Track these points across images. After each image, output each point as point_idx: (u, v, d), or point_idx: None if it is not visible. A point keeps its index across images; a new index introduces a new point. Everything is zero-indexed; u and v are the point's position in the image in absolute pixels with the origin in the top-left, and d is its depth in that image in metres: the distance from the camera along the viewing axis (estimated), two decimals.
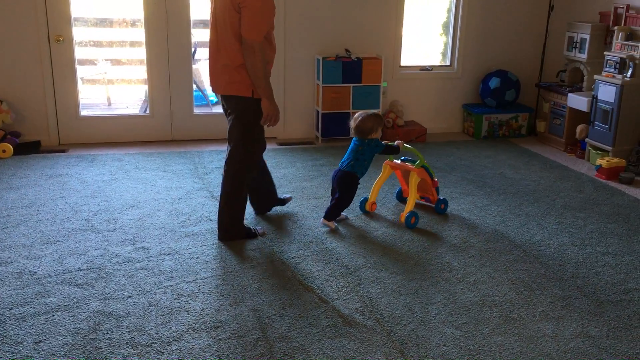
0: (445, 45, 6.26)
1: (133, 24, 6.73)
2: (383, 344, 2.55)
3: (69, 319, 2.66)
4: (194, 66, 6.24)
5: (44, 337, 2.53)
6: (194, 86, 6.29)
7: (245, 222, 3.76)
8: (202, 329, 2.62)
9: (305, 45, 5.68)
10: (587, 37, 5.36)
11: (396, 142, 3.90)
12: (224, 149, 5.39)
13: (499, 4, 6.07)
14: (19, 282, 2.97)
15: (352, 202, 3.79)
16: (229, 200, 3.47)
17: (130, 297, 2.87)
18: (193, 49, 6.18)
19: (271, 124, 3.38)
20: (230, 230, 3.51)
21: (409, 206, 3.79)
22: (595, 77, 5.17)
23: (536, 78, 6.30)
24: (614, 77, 4.97)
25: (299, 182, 4.55)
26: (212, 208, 3.99)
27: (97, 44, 7.20)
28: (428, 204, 4.11)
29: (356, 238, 3.59)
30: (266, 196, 3.85)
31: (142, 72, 6.02)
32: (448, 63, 6.25)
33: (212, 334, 2.58)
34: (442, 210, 4.02)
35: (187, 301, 2.84)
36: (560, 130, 5.71)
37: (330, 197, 3.85)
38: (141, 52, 5.65)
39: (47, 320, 2.65)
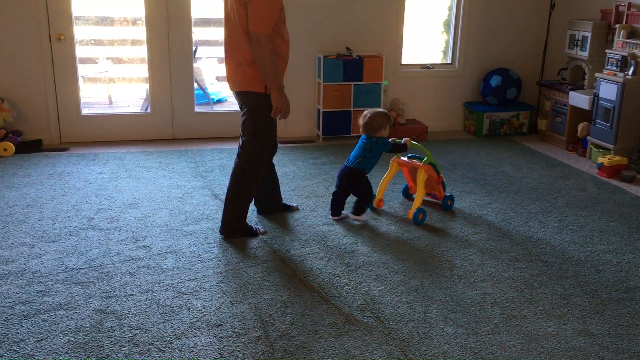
0: (447, 43, 6.25)
1: (134, 22, 6.73)
2: (384, 342, 2.55)
3: (71, 318, 2.67)
4: (195, 64, 6.24)
5: (46, 336, 2.54)
6: (195, 84, 6.30)
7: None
8: (203, 327, 2.63)
9: (306, 44, 5.68)
10: (589, 35, 5.35)
11: (403, 139, 3.94)
12: (225, 148, 5.40)
13: (500, 2, 6.06)
14: (20, 281, 2.98)
15: (372, 191, 3.85)
16: (236, 194, 3.49)
17: (131, 295, 2.87)
18: (194, 48, 6.18)
19: (282, 117, 3.41)
20: (233, 225, 3.52)
21: (417, 203, 3.81)
22: (596, 75, 5.16)
23: (537, 76, 6.29)
24: (615, 75, 4.96)
25: (299, 180, 4.56)
26: (213, 206, 4.00)
27: (98, 43, 7.20)
28: (434, 200, 4.12)
29: (357, 236, 3.59)
30: (270, 198, 3.85)
31: (143, 70, 6.02)
32: (449, 61, 6.24)
33: (213, 333, 2.59)
34: (449, 207, 4.06)
35: (188, 299, 2.85)
36: (561, 129, 5.70)
37: (333, 193, 3.86)
38: (142, 51, 5.65)
39: (49, 319, 2.65)
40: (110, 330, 2.58)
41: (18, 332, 2.55)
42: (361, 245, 3.48)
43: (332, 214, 3.85)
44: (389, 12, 5.81)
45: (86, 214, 3.84)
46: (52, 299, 2.82)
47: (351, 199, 3.90)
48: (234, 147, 5.40)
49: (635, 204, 4.25)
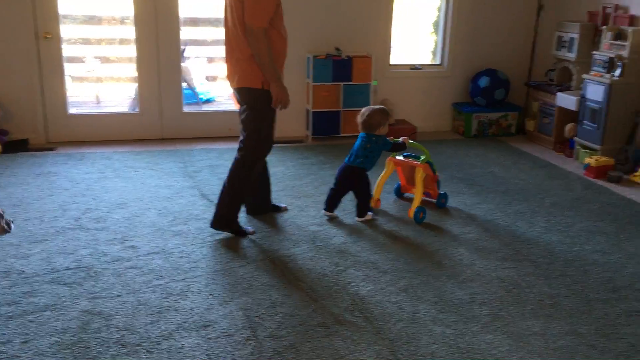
0: (436, 44, 6.28)
1: (122, 21, 6.68)
2: (373, 342, 2.55)
3: (57, 319, 2.64)
4: (184, 64, 6.21)
5: (32, 337, 2.51)
6: (184, 84, 6.26)
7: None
8: (191, 328, 2.61)
9: (295, 44, 5.64)
10: (576, 36, 5.39)
11: (401, 138, 3.97)
12: (214, 147, 5.38)
13: (489, 3, 6.09)
14: (6, 282, 2.95)
15: (371, 191, 3.86)
16: (232, 188, 3.51)
17: (119, 296, 2.85)
18: (183, 47, 6.15)
19: (283, 107, 3.45)
20: (224, 220, 3.53)
21: (416, 202, 3.84)
22: (583, 76, 5.20)
23: (525, 77, 6.33)
24: (602, 76, 5.00)
25: (289, 180, 4.55)
26: (201, 207, 3.98)
27: (86, 42, 7.13)
28: (428, 199, 4.14)
29: (346, 237, 3.59)
30: (260, 198, 3.84)
31: (131, 70, 5.98)
32: (438, 62, 6.26)
33: (201, 333, 2.57)
34: (443, 205, 4.11)
35: (176, 300, 2.83)
36: (549, 129, 5.74)
37: (331, 189, 3.88)
38: (131, 50, 5.62)
39: (35, 320, 2.63)
40: (98, 332, 2.56)
41: (4, 334, 2.53)
42: (350, 245, 3.48)
43: (326, 209, 3.87)
44: (378, 13, 5.82)
45: (73, 214, 3.80)
46: (39, 299, 2.79)
47: (348, 198, 3.90)
48: (223, 147, 5.39)
49: (621, 204, 4.28)
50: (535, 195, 4.40)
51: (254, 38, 3.26)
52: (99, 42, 7.22)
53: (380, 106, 3.94)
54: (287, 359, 2.42)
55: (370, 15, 5.80)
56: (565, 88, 5.60)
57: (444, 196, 4.12)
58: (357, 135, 3.94)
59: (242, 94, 3.48)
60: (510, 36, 6.24)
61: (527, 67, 6.31)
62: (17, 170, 4.61)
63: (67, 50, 5.51)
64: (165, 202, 4.06)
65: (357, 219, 3.83)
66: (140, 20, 5.34)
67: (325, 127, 5.67)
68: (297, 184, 4.48)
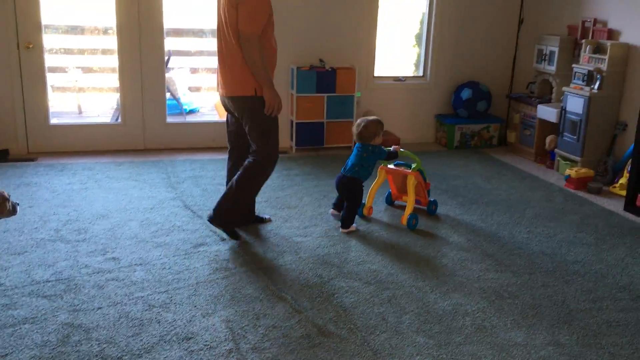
0: (418, 56, 6.33)
1: (105, 31, 6.66)
2: (357, 353, 2.54)
3: (37, 332, 2.60)
4: (168, 74, 6.19)
5: (11, 350, 2.47)
6: (168, 94, 6.25)
7: (218, 230, 3.74)
8: (173, 340, 2.59)
9: (279, 55, 5.62)
10: (556, 49, 5.47)
11: (392, 147, 4.05)
12: (197, 158, 5.35)
13: (471, 16, 6.17)
14: None
15: (360, 202, 3.93)
16: (241, 189, 3.51)
17: (100, 308, 2.82)
18: (167, 58, 6.14)
19: (275, 112, 3.46)
20: (227, 216, 3.54)
21: (409, 209, 3.91)
22: (563, 89, 5.28)
23: (507, 89, 6.40)
24: (582, 89, 5.08)
25: (272, 191, 4.54)
26: (184, 218, 3.96)
27: (68, 52, 7.10)
28: (419, 206, 4.19)
29: (329, 247, 3.59)
30: (245, 210, 3.83)
31: (114, 80, 5.95)
32: (421, 74, 6.32)
33: (183, 346, 2.55)
34: (434, 211, 4.20)
35: (158, 312, 2.80)
36: (530, 141, 5.80)
37: (335, 202, 4.00)
38: (113, 60, 5.59)
39: (14, 333, 2.59)
40: (78, 345, 2.52)
41: None
42: (334, 256, 3.48)
43: (333, 208, 4.01)
44: (361, 25, 5.86)
45: (54, 226, 3.76)
46: (18, 312, 2.75)
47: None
48: (206, 158, 5.37)
49: (601, 215, 4.34)
50: (517, 207, 4.44)
51: (248, 44, 3.29)
52: (81, 52, 7.19)
53: (375, 117, 4.01)
54: None
55: (354, 27, 5.84)
56: (546, 100, 5.68)
57: (434, 203, 4.21)
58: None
59: (237, 103, 3.49)
60: (491, 49, 6.32)
61: (509, 79, 6.39)
62: None
63: (49, 60, 5.47)
64: (147, 213, 4.03)
65: (341, 230, 3.84)
66: (123, 31, 5.32)
67: (309, 138, 5.68)
68: (280, 195, 4.47)
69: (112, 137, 5.54)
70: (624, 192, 4.60)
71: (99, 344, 2.54)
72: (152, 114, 5.57)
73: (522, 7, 6.18)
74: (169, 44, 6.23)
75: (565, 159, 5.29)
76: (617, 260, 3.57)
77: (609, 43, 4.95)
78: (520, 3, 6.19)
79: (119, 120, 5.62)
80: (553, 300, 3.07)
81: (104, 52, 6.99)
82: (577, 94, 5.10)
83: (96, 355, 2.46)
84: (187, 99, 6.97)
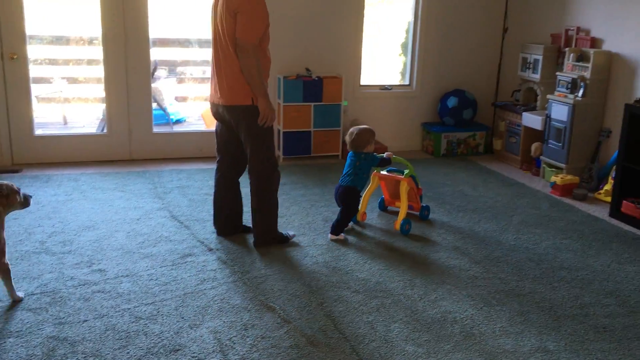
0: (404, 65, 6.37)
1: (90, 42, 6.63)
2: None
3: (22, 345, 2.57)
4: (154, 84, 6.17)
5: None
6: (155, 104, 6.22)
7: (205, 240, 3.72)
8: (161, 352, 2.56)
9: None
10: (540, 58, 5.53)
11: (385, 154, 4.11)
12: (184, 168, 5.33)
13: (456, 25, 6.22)
14: None
15: (355, 212, 3.99)
16: (260, 205, 3.59)
17: (86, 321, 2.79)
18: (153, 68, 6.12)
19: (268, 123, 3.49)
20: (266, 236, 3.64)
21: (402, 214, 3.98)
22: (548, 96, 5.33)
23: (492, 97, 6.45)
24: (566, 96, 5.13)
25: None
26: (172, 228, 3.93)
27: (53, 62, 7.06)
28: (411, 211, 4.23)
29: (317, 257, 3.58)
30: (231, 218, 3.82)
31: (99, 90, 5.92)
32: (407, 82, 6.35)
33: (171, 358, 2.52)
34: (426, 217, 4.27)
35: (145, 324, 2.78)
36: (516, 148, 5.85)
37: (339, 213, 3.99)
38: (99, 71, 5.57)
39: None
40: (64, 358, 2.49)
41: None
42: (322, 265, 3.47)
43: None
44: (348, 34, 5.89)
45: (39, 238, 3.72)
46: (2, 326, 2.71)
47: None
48: (193, 168, 5.35)
49: (587, 221, 4.37)
50: (504, 214, 4.46)
51: (245, 53, 3.31)
52: (66, 62, 7.15)
53: (367, 126, 4.09)
54: None
55: (341, 36, 5.87)
56: (531, 108, 5.73)
57: (427, 208, 4.28)
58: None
59: (233, 112, 3.49)
60: (477, 57, 6.38)
61: (494, 87, 6.44)
62: None
63: (33, 71, 5.43)
64: (134, 224, 4.00)
65: (330, 235, 3.85)
66: (108, 41, 5.29)
67: (296, 147, 5.68)
68: None
69: (97, 147, 5.51)
70: (608, 199, 4.65)
71: (85, 357, 2.51)
72: (138, 124, 5.54)
73: (506, 16, 6.25)
74: (155, 54, 6.21)
75: (550, 166, 5.33)
76: (603, 266, 3.60)
77: (592, 51, 5.01)
78: (504, 12, 6.25)
79: (105, 130, 5.59)
80: (541, 306, 3.08)
81: (89, 62, 6.96)
82: (561, 102, 5.15)
83: None
84: (174, 109, 6.95)
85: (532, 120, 5.52)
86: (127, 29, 5.30)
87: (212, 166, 5.41)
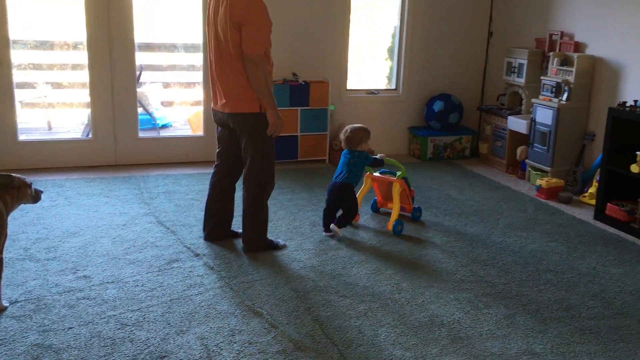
0: (391, 69, 6.39)
1: (75, 46, 6.59)
2: None
3: (5, 354, 2.53)
4: (140, 89, 6.14)
5: None
6: (141, 109, 6.19)
7: (192, 246, 3.70)
8: (147, 359, 2.54)
9: None
10: (525, 62, 5.58)
11: (379, 155, 4.19)
12: (170, 173, 5.30)
13: (441, 30, 6.26)
14: None
15: (357, 209, 4.06)
16: (252, 211, 3.59)
17: (71, 328, 2.76)
18: (138, 72, 6.09)
19: (277, 134, 3.51)
20: (255, 242, 3.63)
21: (394, 215, 4.05)
22: (533, 100, 5.37)
23: (478, 101, 6.49)
24: (550, 100, 5.18)
25: None
26: (158, 234, 3.90)
27: (37, 67, 7.00)
28: (403, 213, 4.28)
29: (305, 261, 3.58)
30: (221, 223, 3.81)
31: (84, 95, 5.88)
32: (393, 87, 6.37)
33: None
34: (418, 217, 4.35)
35: (131, 331, 2.75)
36: (501, 152, 5.88)
37: (324, 209, 4.03)
38: (83, 75, 5.52)
39: None
40: None
41: None
42: (309, 270, 3.46)
43: (325, 230, 4.00)
44: (334, 39, 5.90)
45: (23, 244, 3.67)
46: None
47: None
48: (179, 173, 5.32)
49: (572, 224, 4.41)
50: (490, 217, 4.49)
51: (253, 65, 3.31)
52: (50, 67, 7.09)
53: (361, 125, 4.14)
54: None
55: (327, 41, 5.88)
56: (516, 112, 5.77)
57: (418, 210, 4.36)
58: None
59: (238, 119, 3.48)
60: (462, 62, 6.42)
61: (479, 91, 6.49)
62: None
63: (17, 76, 5.38)
64: (119, 229, 3.97)
65: (333, 225, 3.92)
66: (93, 45, 5.26)
67: (283, 151, 5.67)
68: None
69: (82, 153, 5.46)
70: (593, 202, 4.69)
71: None
72: (123, 129, 5.51)
73: (491, 21, 6.30)
74: (141, 58, 6.19)
75: (535, 169, 5.37)
76: (589, 269, 3.63)
77: (575, 55, 5.06)
78: (489, 17, 6.30)
79: (90, 135, 5.54)
80: (527, 309, 3.10)
81: (74, 67, 6.91)
82: (546, 106, 5.19)
83: None
84: (159, 114, 6.92)
85: (517, 124, 5.56)
86: (112, 33, 5.27)
87: (199, 171, 5.40)
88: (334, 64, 5.96)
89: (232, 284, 3.25)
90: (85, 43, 5.28)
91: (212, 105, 3.66)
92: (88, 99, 5.44)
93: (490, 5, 6.25)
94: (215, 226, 3.80)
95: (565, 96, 5.10)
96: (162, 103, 7.23)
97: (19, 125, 5.34)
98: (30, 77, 6.89)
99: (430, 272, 3.50)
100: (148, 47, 7.09)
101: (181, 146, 5.73)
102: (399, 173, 4.19)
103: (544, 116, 5.21)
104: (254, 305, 3.03)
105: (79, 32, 5.31)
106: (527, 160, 5.49)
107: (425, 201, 4.79)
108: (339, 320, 2.91)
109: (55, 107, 7.03)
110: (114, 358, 2.53)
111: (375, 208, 4.48)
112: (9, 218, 2.99)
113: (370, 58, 6.50)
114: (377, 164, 4.13)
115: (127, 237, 3.84)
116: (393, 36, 6.30)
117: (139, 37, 5.44)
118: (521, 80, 5.65)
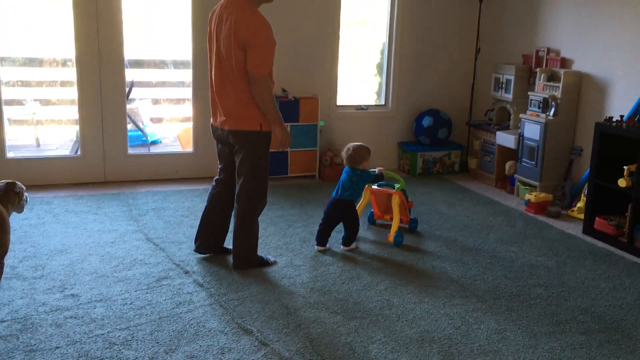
0: (380, 85, 6.43)
1: (64, 63, 6.58)
2: None
3: None
4: (130, 105, 6.13)
5: None
6: (132, 125, 6.18)
7: (181, 263, 3.68)
8: None
9: None
10: (512, 78, 5.63)
11: (377, 169, 4.25)
12: (160, 190, 5.28)
13: (430, 46, 6.31)
14: None
15: (358, 225, 4.08)
16: (243, 228, 3.59)
17: (58, 347, 2.72)
18: (129, 88, 6.09)
19: (284, 149, 3.57)
20: (246, 259, 3.63)
21: (395, 227, 4.16)
22: (520, 116, 5.42)
23: (466, 117, 6.54)
24: (538, 115, 5.23)
25: None
26: (147, 251, 3.88)
27: (26, 84, 6.98)
28: (400, 224, 4.29)
29: (295, 277, 3.56)
30: (215, 236, 3.78)
31: (73, 112, 5.86)
32: (383, 102, 6.41)
33: None
34: (415, 228, 4.46)
35: (119, 350, 2.72)
36: (490, 167, 5.92)
37: (320, 224, 4.03)
38: (72, 92, 5.51)
39: None
40: None
41: None
42: (300, 287, 3.45)
43: (318, 244, 4.01)
44: (324, 55, 5.93)
45: (9, 263, 3.63)
46: None
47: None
48: (169, 190, 5.30)
49: (561, 238, 4.43)
50: (480, 232, 4.50)
51: (259, 84, 3.35)
52: (39, 84, 7.08)
53: (362, 143, 4.22)
54: None
55: (316, 57, 5.91)
56: (504, 127, 5.81)
57: (415, 221, 4.46)
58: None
59: (240, 136, 3.50)
60: (450, 78, 6.47)
61: (468, 107, 6.53)
62: None
63: (5, 93, 5.36)
64: (108, 247, 3.94)
65: (343, 247, 3.99)
66: (82, 62, 5.25)
67: (272, 167, 5.65)
68: None
69: (71, 170, 5.43)
70: (581, 216, 4.71)
71: None
72: (112, 146, 5.48)
73: (478, 37, 6.36)
74: (131, 74, 6.19)
75: (524, 184, 5.40)
76: (578, 283, 3.64)
77: (562, 71, 5.12)
78: (476, 33, 6.37)
79: (79, 152, 5.52)
80: (517, 324, 3.10)
81: (63, 84, 6.90)
82: (533, 121, 5.24)
83: None
84: (149, 130, 6.91)
85: (505, 139, 5.60)
86: (101, 50, 5.27)
87: (188, 187, 5.39)
88: (324, 79, 5.99)
89: (221, 301, 3.23)
90: (74, 59, 5.28)
91: (211, 120, 3.66)
92: (77, 116, 5.42)
93: (478, 22, 6.32)
94: (210, 238, 3.77)
95: (552, 111, 5.15)
96: (152, 119, 7.22)
97: (7, 143, 5.31)
98: (19, 94, 6.88)
99: (421, 287, 3.49)
100: (137, 63, 7.10)
101: (171, 162, 5.71)
102: (397, 185, 4.27)
103: (532, 131, 5.25)
104: (244, 322, 3.00)
105: (69, 48, 5.30)
106: (515, 175, 5.52)
107: (415, 216, 4.79)
108: (330, 337, 2.89)
109: (44, 124, 7.00)
110: None
111: (372, 220, 4.55)
112: None
113: (360, 74, 6.54)
114: (378, 179, 4.21)
115: (115, 255, 3.81)
116: (382, 52, 6.35)
117: (128, 53, 5.44)
118: (509, 96, 5.70)
